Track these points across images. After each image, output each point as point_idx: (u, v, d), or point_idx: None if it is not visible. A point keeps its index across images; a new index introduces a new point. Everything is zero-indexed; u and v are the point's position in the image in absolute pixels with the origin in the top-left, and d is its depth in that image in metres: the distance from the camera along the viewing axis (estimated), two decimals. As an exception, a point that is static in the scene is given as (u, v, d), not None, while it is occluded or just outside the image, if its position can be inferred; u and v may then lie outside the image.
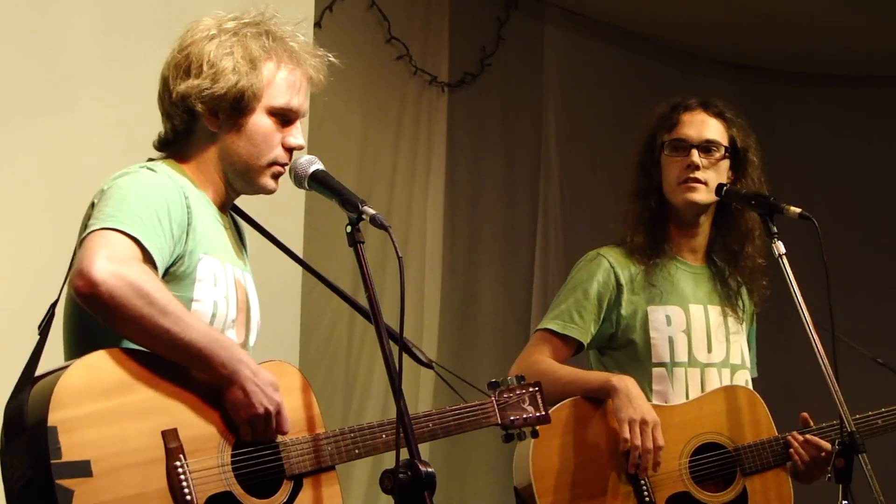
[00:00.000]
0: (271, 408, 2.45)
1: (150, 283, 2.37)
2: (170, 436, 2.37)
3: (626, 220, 3.61)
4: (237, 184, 2.65)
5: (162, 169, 2.55)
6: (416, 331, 5.98)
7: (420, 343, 6.00)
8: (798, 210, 3.43)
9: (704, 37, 7.18)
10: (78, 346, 2.49)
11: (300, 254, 4.55)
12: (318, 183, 2.61)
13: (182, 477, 2.35)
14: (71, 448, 2.26)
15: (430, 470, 2.37)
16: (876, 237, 7.32)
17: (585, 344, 3.53)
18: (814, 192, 6.97)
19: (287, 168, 2.65)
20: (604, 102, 6.91)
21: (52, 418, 2.26)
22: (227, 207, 2.70)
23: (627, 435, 3.32)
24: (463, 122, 6.43)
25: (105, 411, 2.32)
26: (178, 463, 2.36)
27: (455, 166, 6.37)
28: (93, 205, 2.48)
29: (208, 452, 2.42)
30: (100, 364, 2.35)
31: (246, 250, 2.79)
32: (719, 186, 3.53)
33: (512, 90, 6.66)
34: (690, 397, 3.50)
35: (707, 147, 3.56)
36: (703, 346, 3.55)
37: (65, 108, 3.88)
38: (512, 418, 2.96)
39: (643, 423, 3.32)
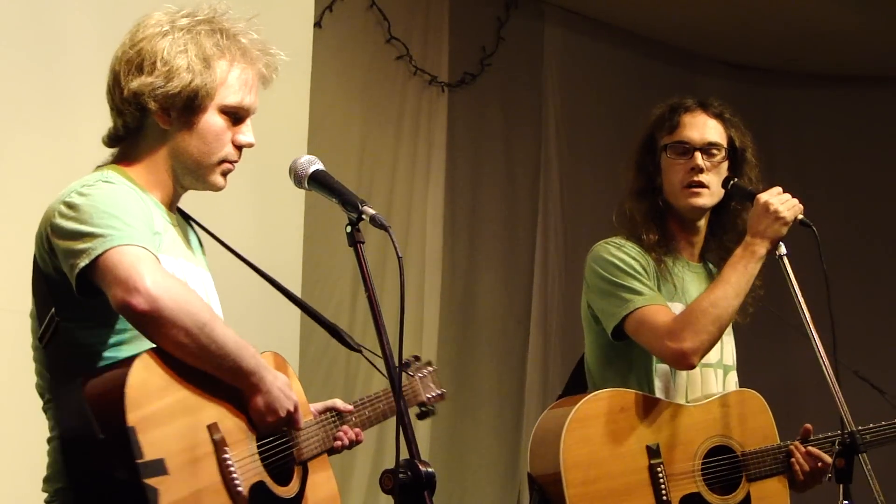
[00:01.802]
0: (291, 409, 2.54)
1: (192, 294, 2.43)
2: (213, 429, 2.42)
3: (634, 219, 3.58)
4: (186, 181, 2.64)
5: (116, 178, 2.55)
6: (416, 331, 5.98)
7: (420, 343, 6.01)
8: (799, 217, 3.42)
9: (704, 37, 7.19)
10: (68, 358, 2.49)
11: (300, 254, 4.59)
12: (317, 183, 2.60)
13: (232, 469, 2.41)
14: (149, 447, 2.29)
15: (430, 470, 2.37)
16: (876, 237, 7.33)
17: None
18: (813, 193, 6.94)
19: (236, 165, 2.66)
20: (604, 102, 6.92)
21: (131, 419, 2.28)
22: (175, 205, 2.69)
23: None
24: (463, 122, 6.44)
25: (163, 410, 2.35)
26: (226, 455, 2.41)
27: (455, 166, 6.37)
28: (60, 215, 2.46)
29: (242, 443, 2.48)
30: (150, 365, 2.37)
31: (201, 247, 2.79)
32: (726, 179, 3.53)
33: (512, 90, 6.66)
34: (689, 396, 3.50)
35: (709, 149, 3.55)
36: None
37: (65, 109, 3.88)
38: (428, 395, 3.19)
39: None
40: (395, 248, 2.41)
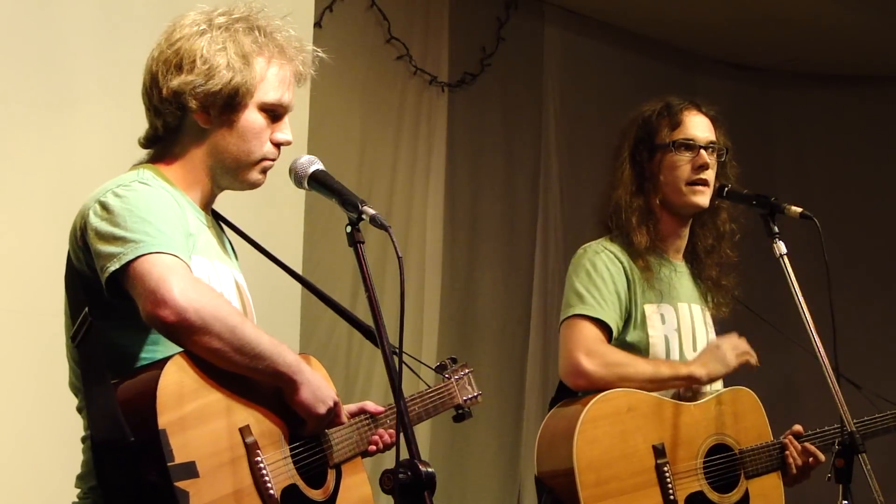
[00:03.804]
0: (336, 402, 2.58)
1: (222, 300, 2.44)
2: (246, 432, 2.42)
3: (629, 220, 3.58)
4: (224, 180, 2.64)
5: (152, 180, 2.54)
6: (416, 331, 5.98)
7: (420, 343, 6.01)
8: (799, 210, 3.44)
9: (704, 37, 7.19)
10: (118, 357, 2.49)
11: (300, 254, 4.59)
12: (318, 183, 2.59)
13: (263, 472, 2.42)
14: (180, 450, 2.29)
15: (430, 470, 2.37)
16: (876, 237, 7.32)
17: (614, 331, 3.50)
18: (814, 192, 6.97)
19: (274, 164, 2.65)
20: (604, 102, 6.91)
21: (162, 421, 2.29)
22: (210, 206, 2.69)
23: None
24: (463, 122, 6.44)
25: (195, 412, 2.36)
26: (258, 458, 2.42)
27: (455, 166, 6.37)
28: (95, 214, 2.45)
29: (274, 446, 2.49)
30: (184, 367, 2.38)
31: (232, 248, 2.79)
32: (721, 187, 3.55)
33: (512, 90, 6.66)
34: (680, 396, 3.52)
35: (711, 148, 3.58)
36: (689, 344, 3.58)
37: (65, 108, 3.89)
38: (464, 398, 3.16)
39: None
40: (395, 248, 2.40)
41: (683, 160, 3.56)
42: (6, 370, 3.68)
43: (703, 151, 3.55)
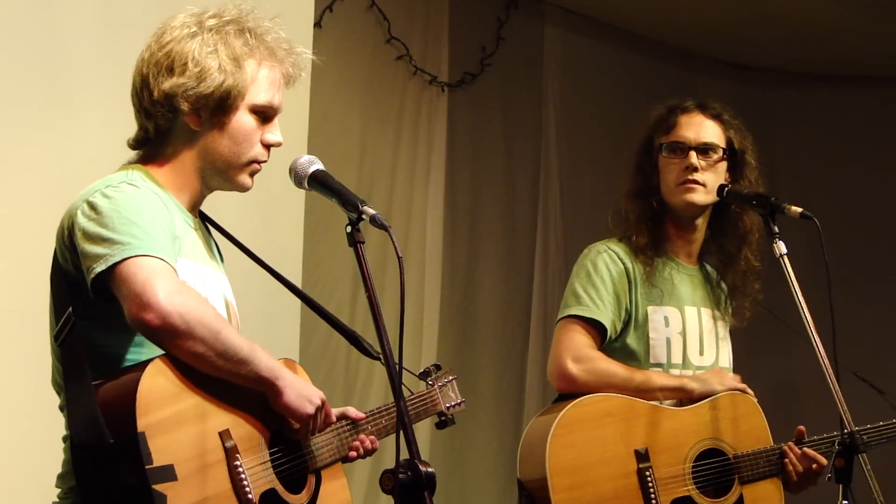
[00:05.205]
0: (321, 403, 2.56)
1: (207, 305, 2.45)
2: (225, 436, 2.43)
3: (628, 219, 3.60)
4: (214, 182, 2.64)
5: (141, 182, 2.54)
6: (416, 331, 5.98)
7: (420, 343, 6.02)
8: (799, 210, 3.43)
9: (704, 37, 7.19)
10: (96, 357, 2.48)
11: (300, 254, 4.59)
12: (318, 183, 2.60)
13: (242, 476, 2.42)
14: (158, 453, 2.30)
15: (430, 470, 2.37)
16: (876, 237, 7.33)
17: (610, 332, 3.49)
18: (813, 193, 6.98)
19: (263, 166, 2.66)
20: (603, 102, 6.92)
21: (141, 424, 2.30)
22: (197, 207, 2.69)
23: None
24: (463, 122, 6.44)
25: (175, 415, 2.37)
26: (237, 463, 2.43)
27: (455, 166, 6.37)
28: (82, 214, 2.45)
29: (254, 451, 2.49)
30: (164, 370, 2.38)
31: (219, 251, 2.79)
32: (721, 187, 3.55)
33: (512, 90, 6.66)
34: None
35: (705, 149, 3.57)
36: (695, 348, 3.57)
37: (64, 107, 3.89)
38: (447, 405, 3.16)
39: None
40: (395, 248, 2.41)
41: (674, 163, 3.57)
42: (6, 370, 3.69)
43: (692, 153, 3.55)
